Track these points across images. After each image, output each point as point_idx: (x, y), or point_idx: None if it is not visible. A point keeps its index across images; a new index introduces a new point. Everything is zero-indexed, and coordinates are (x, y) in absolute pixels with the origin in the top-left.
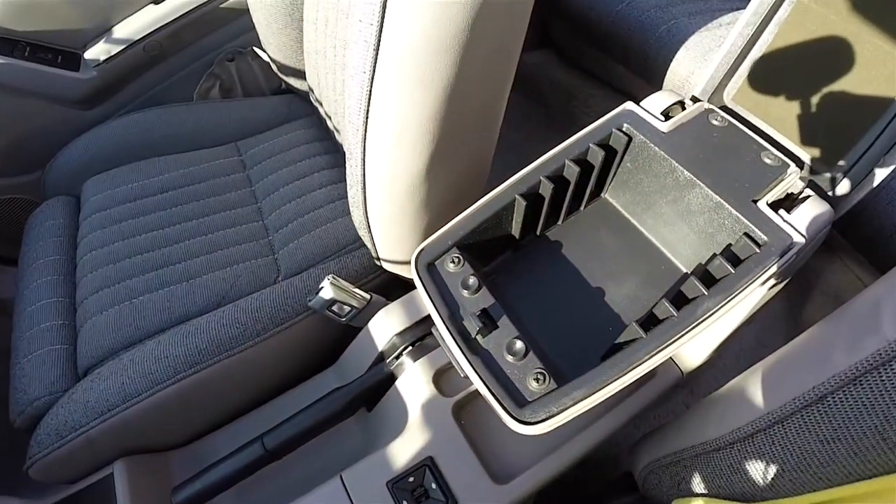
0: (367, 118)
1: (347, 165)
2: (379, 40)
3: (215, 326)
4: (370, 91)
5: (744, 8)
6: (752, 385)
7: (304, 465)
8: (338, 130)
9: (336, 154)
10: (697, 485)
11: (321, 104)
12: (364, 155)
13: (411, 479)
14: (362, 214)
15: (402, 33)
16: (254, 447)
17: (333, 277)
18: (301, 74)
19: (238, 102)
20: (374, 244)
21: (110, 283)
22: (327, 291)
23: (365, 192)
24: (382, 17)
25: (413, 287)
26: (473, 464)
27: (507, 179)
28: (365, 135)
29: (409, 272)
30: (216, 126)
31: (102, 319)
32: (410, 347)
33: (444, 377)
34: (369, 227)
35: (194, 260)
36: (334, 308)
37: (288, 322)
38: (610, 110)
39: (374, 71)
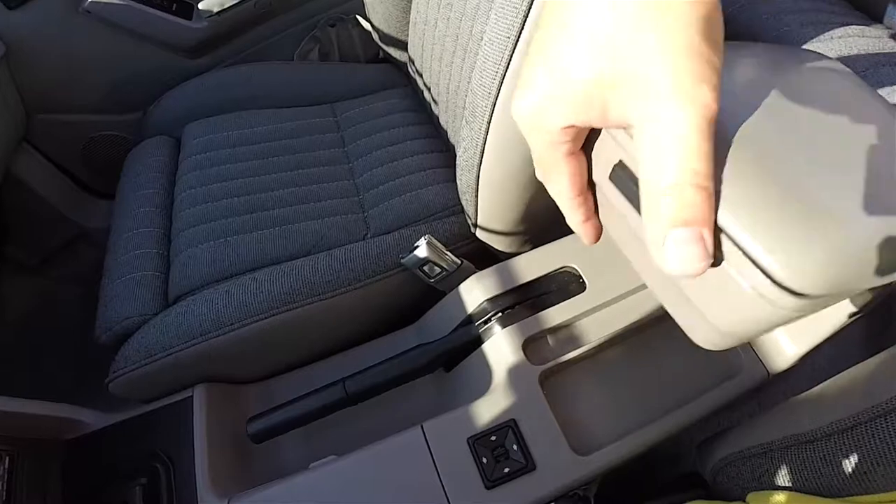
0: (501, 82)
1: (466, 129)
2: (529, 7)
3: (310, 270)
4: (511, 56)
5: (854, 22)
6: (852, 382)
7: (375, 415)
8: (435, 101)
9: (428, 125)
10: (782, 477)
11: (420, 75)
12: (490, 118)
13: (493, 437)
14: (474, 178)
15: None
16: (335, 388)
17: (430, 237)
18: (402, 45)
19: (336, 66)
20: (476, 209)
21: (206, 220)
22: (423, 250)
23: (482, 156)
24: None
25: (501, 259)
26: (555, 432)
27: None
28: (496, 99)
29: (501, 243)
30: (314, 86)
31: (197, 252)
32: (500, 314)
33: (532, 346)
34: (477, 190)
35: (287, 208)
36: (425, 268)
37: (379, 275)
38: None
39: (518, 37)
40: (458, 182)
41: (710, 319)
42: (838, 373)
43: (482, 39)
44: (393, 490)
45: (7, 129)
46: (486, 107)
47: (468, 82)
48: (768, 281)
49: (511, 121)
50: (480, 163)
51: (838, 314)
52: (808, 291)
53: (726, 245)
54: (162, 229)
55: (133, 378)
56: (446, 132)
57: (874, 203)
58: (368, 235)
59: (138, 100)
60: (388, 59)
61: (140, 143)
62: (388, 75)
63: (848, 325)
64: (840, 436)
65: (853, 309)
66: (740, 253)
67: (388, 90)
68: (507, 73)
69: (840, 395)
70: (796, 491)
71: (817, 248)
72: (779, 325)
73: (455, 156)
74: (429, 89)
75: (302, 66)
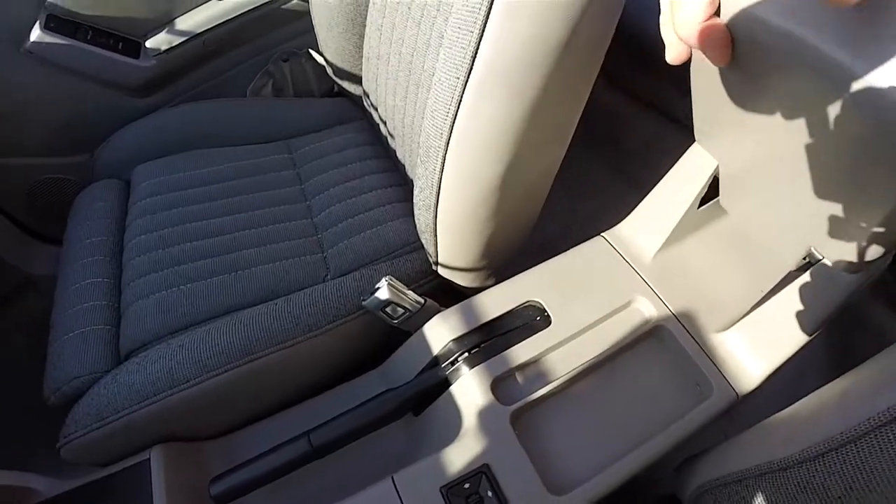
0: (453, 122)
1: (421, 167)
2: (477, 48)
3: (268, 318)
4: (461, 95)
5: None
6: (821, 405)
7: (343, 466)
8: (392, 135)
9: (386, 159)
10: None
11: (376, 109)
12: (445, 157)
13: (467, 485)
14: (432, 217)
15: (503, 42)
16: (299, 443)
17: (391, 278)
18: (356, 79)
19: (290, 102)
20: (436, 248)
21: (159, 267)
22: (384, 292)
23: (438, 195)
24: (484, 26)
25: (465, 296)
26: (530, 473)
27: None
28: (449, 138)
29: (464, 279)
30: (268, 123)
31: (149, 303)
32: (467, 354)
33: (501, 385)
34: (435, 230)
35: (244, 252)
36: (388, 309)
37: (340, 319)
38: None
39: (468, 77)
40: (417, 221)
41: None
42: (807, 391)
43: (433, 76)
44: None
45: None
46: (439, 147)
47: (422, 118)
48: None
49: (466, 159)
50: (437, 202)
51: (799, 332)
52: None
53: None
54: (112, 279)
55: (85, 443)
56: (404, 166)
57: None
58: (329, 276)
59: (86, 141)
60: (344, 92)
61: (87, 188)
62: (344, 109)
63: (810, 343)
64: (812, 463)
65: (815, 324)
66: None
67: (345, 124)
68: (458, 113)
69: (810, 419)
70: None
71: None
72: None
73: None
74: (385, 123)
75: (255, 101)
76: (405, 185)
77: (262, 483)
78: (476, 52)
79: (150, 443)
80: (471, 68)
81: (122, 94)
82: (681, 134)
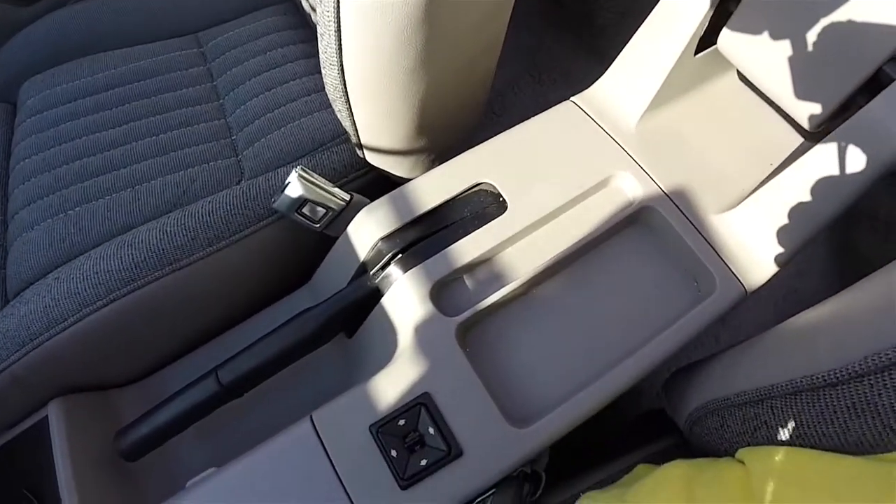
0: None
1: (320, 8)
2: None
3: (157, 235)
4: None
5: None
6: (888, 305)
7: (273, 403)
8: (314, 9)
9: (312, 43)
10: (786, 430)
11: None
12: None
13: (402, 421)
14: (337, 74)
15: None
16: (206, 382)
17: (302, 169)
18: None
19: None
20: (353, 122)
21: (44, 193)
22: (295, 188)
23: (340, 42)
24: None
25: None
26: (483, 401)
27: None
28: None
29: (399, 167)
30: (172, 16)
31: (34, 235)
32: (400, 255)
33: (444, 291)
34: (346, 93)
35: (142, 164)
36: (305, 210)
37: (248, 228)
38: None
39: None
40: (326, 88)
41: None
42: (812, 292)
43: None
44: None
45: None
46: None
47: None
48: None
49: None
50: (340, 49)
51: (816, 214)
52: None
53: None
54: None
55: None
56: None
57: None
58: (243, 181)
59: None
60: None
61: None
62: None
63: (809, 244)
64: (877, 376)
65: (835, 205)
66: None
67: (263, 9)
68: None
69: (869, 322)
70: (808, 447)
71: None
72: None
73: None
74: None
75: None
76: None
77: (172, 433)
78: None
79: (47, 397)
80: None
81: (1, 3)
82: None
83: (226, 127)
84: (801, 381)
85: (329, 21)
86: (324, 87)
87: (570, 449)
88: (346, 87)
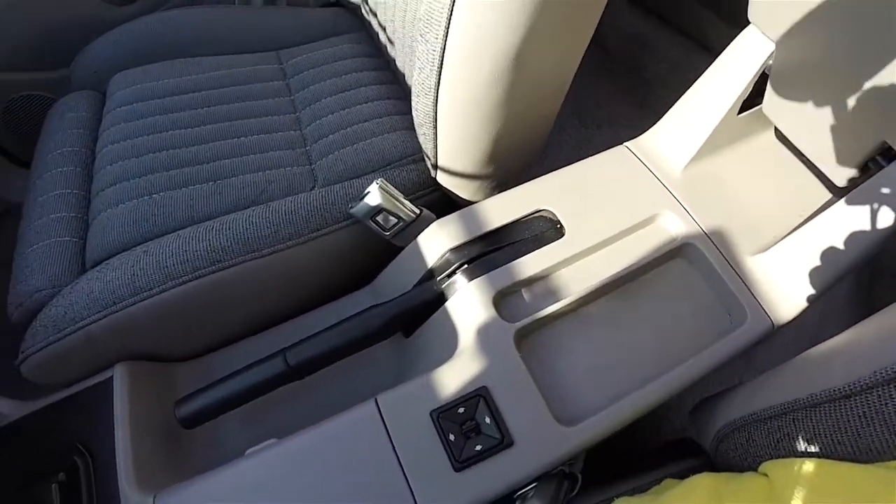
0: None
1: (422, 44)
2: None
3: (243, 224)
4: None
5: None
6: (888, 328)
7: (326, 392)
8: (391, 42)
9: (386, 72)
10: (807, 441)
11: (375, 15)
12: (449, 24)
13: (461, 409)
14: (431, 102)
15: None
16: (274, 361)
17: (383, 181)
18: None
19: (282, 10)
20: (435, 145)
21: (130, 176)
22: (374, 197)
23: (440, 73)
24: None
25: None
26: (535, 399)
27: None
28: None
29: (465, 189)
30: (257, 32)
31: (118, 212)
32: (466, 265)
33: (505, 301)
34: (435, 119)
35: (224, 161)
36: (378, 218)
37: (325, 229)
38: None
39: None
40: (415, 113)
41: None
42: (827, 333)
43: None
44: (342, 478)
45: None
46: (443, 8)
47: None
48: None
49: (474, 28)
50: (438, 83)
51: (841, 261)
52: None
53: None
54: (82, 191)
55: (43, 358)
56: (404, 75)
57: None
58: (316, 188)
59: (64, 55)
60: (340, 1)
61: (60, 100)
62: (341, 19)
63: (833, 286)
64: (883, 388)
65: (859, 253)
66: None
67: (341, 35)
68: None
69: (878, 342)
70: (825, 456)
71: None
72: None
73: (412, 101)
74: (384, 29)
75: (245, 9)
76: (405, 99)
77: (232, 405)
78: None
79: (114, 360)
80: None
81: (102, 2)
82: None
83: (301, 138)
84: (820, 395)
85: (433, 59)
86: (394, 112)
87: (601, 462)
88: (436, 115)
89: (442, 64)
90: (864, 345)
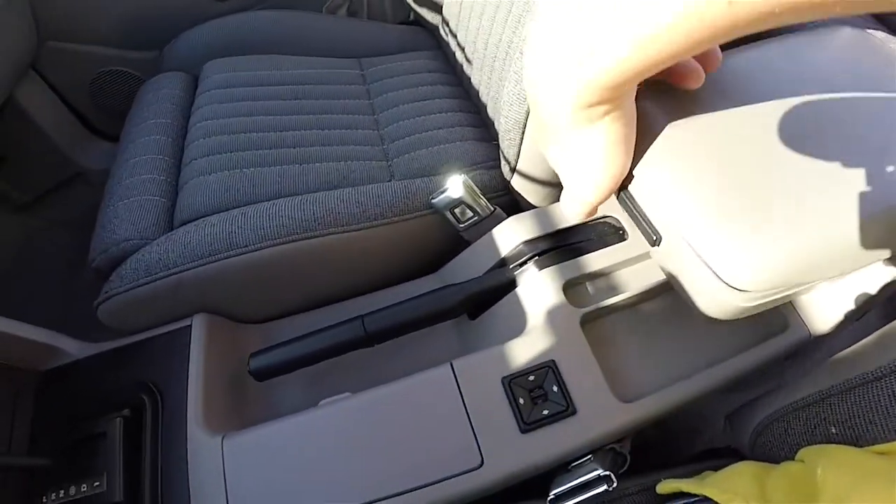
0: None
1: (522, 60)
2: None
3: (335, 200)
4: None
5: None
6: None
7: (388, 361)
8: (469, 61)
9: (458, 87)
10: (841, 423)
11: (455, 35)
12: None
13: (531, 377)
14: (524, 111)
15: None
16: (353, 325)
17: (466, 177)
18: (435, 7)
19: (365, 23)
20: (518, 150)
21: (222, 150)
22: (457, 189)
23: None
24: None
25: None
26: (597, 376)
27: None
28: None
29: (536, 195)
30: (342, 40)
31: (210, 180)
32: (537, 257)
33: (572, 290)
34: (525, 125)
35: (309, 148)
36: (457, 210)
37: (406, 215)
38: None
39: None
40: (503, 120)
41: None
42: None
43: None
44: (413, 432)
45: (17, 51)
46: None
47: (515, 29)
48: (716, 278)
49: None
50: None
51: (861, 301)
52: (750, 289)
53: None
54: (172, 158)
55: (126, 300)
56: (478, 92)
57: (815, 205)
58: (393, 181)
59: (156, 38)
60: (419, 21)
61: (155, 77)
62: (418, 37)
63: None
64: None
65: (875, 300)
66: (697, 256)
67: (418, 51)
68: None
69: None
70: (858, 437)
71: (756, 252)
72: (751, 310)
73: (484, 117)
74: (462, 49)
75: (330, 18)
76: (476, 114)
77: (306, 363)
78: None
79: (189, 312)
80: None
81: None
82: None
83: (379, 137)
84: (855, 379)
85: None
86: (466, 123)
87: (640, 463)
88: (526, 124)
89: None
90: (891, 336)
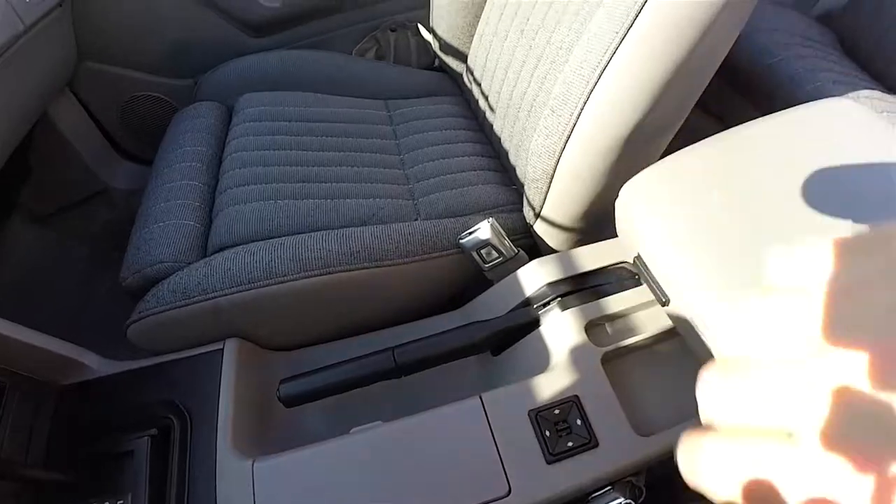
0: (601, 74)
1: (551, 118)
2: (641, 9)
3: (369, 237)
4: (616, 49)
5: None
6: None
7: (412, 394)
8: (492, 109)
9: (479, 132)
10: None
11: (478, 84)
12: (584, 107)
13: (556, 411)
14: (553, 164)
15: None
16: (383, 356)
17: (493, 220)
18: (460, 55)
19: (392, 67)
20: (544, 199)
21: (257, 181)
22: (485, 231)
23: (567, 142)
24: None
25: None
26: (617, 411)
27: None
28: (593, 88)
29: (556, 239)
30: (370, 81)
31: (245, 209)
32: (560, 298)
33: (594, 329)
34: (552, 177)
35: (340, 184)
36: (483, 251)
37: (434, 253)
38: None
39: (627, 30)
40: (531, 169)
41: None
42: None
43: (579, 38)
44: (442, 461)
45: (55, 68)
46: (580, 96)
47: (541, 84)
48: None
49: (603, 109)
50: (563, 149)
51: None
52: None
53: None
54: (207, 186)
55: (160, 321)
56: (500, 139)
57: None
58: (419, 220)
59: (190, 68)
60: (443, 68)
61: (190, 105)
62: (442, 83)
63: None
64: None
65: None
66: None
67: (442, 96)
68: (609, 64)
69: None
70: None
71: None
72: None
73: (505, 163)
74: (486, 97)
75: (360, 60)
76: (495, 158)
77: (334, 391)
78: (641, 9)
79: (220, 337)
80: (632, 24)
81: (239, 30)
82: None
83: (405, 177)
84: None
85: (563, 129)
86: (488, 167)
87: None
88: (554, 175)
89: (570, 135)
90: None
